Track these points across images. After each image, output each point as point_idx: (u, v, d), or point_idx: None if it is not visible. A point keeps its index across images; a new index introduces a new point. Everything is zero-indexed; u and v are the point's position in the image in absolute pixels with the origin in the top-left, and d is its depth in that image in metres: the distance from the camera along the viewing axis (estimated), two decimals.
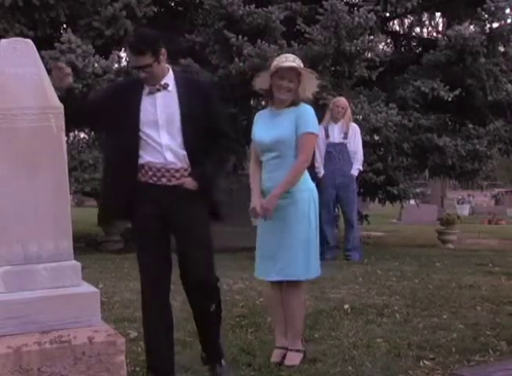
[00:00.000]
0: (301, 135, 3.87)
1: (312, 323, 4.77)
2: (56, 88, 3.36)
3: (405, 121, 9.39)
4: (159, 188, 3.48)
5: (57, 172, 3.25)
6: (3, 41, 3.30)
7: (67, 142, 9.25)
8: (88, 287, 3.32)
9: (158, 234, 3.52)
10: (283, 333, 4.06)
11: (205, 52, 9.46)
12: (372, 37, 9.24)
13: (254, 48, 8.71)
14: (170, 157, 3.47)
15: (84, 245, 9.90)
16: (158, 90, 3.48)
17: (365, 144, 8.58)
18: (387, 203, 10.99)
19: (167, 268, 3.55)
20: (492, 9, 9.42)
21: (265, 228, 3.96)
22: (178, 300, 4.18)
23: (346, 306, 5.34)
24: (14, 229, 3.17)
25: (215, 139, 3.60)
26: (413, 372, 3.83)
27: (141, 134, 3.46)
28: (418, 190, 11.71)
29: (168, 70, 3.55)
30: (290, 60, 3.89)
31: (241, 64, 8.76)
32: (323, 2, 8.91)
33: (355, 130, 8.34)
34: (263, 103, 8.59)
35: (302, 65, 3.93)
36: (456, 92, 9.33)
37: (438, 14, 14.17)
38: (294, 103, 3.91)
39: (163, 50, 3.45)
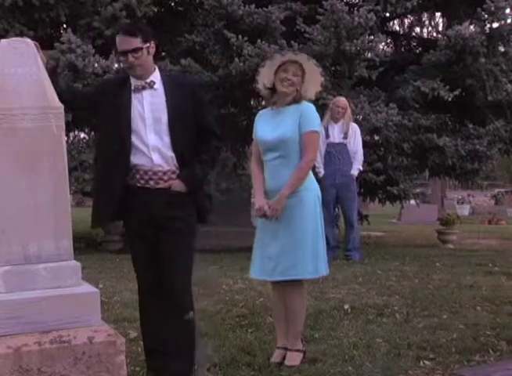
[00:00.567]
0: (305, 134, 3.87)
1: (312, 323, 4.76)
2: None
3: (405, 121, 9.39)
4: (147, 191, 3.45)
5: (57, 172, 3.24)
6: (3, 41, 3.29)
7: (67, 142, 9.27)
8: (88, 287, 3.32)
9: (148, 241, 3.52)
10: (285, 333, 4.06)
11: (205, 52, 9.46)
12: (372, 37, 9.25)
13: (254, 48, 8.71)
14: (157, 158, 3.43)
15: (84, 245, 9.91)
16: (144, 88, 3.46)
17: (365, 144, 8.58)
18: (387, 203, 10.99)
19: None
20: (492, 8, 9.42)
21: (267, 228, 3.94)
22: None
23: (346, 306, 5.34)
24: (14, 229, 3.16)
25: (204, 138, 3.56)
26: (413, 372, 3.83)
27: (130, 134, 3.43)
28: (418, 190, 11.74)
29: (155, 68, 3.53)
30: (295, 55, 3.96)
31: (241, 64, 8.76)
32: (323, 2, 8.91)
33: (355, 130, 8.34)
34: (263, 103, 8.59)
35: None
36: (456, 92, 9.33)
37: (438, 14, 14.17)
38: (296, 101, 3.91)
39: (153, 43, 3.45)
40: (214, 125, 3.67)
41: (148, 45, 3.43)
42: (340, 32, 8.90)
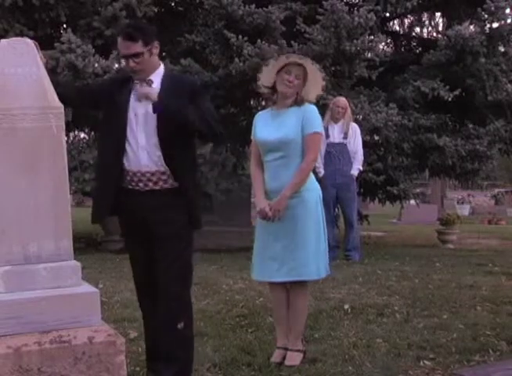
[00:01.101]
0: (307, 135, 3.87)
1: (312, 323, 4.76)
2: None
3: (405, 121, 9.39)
4: (137, 193, 3.44)
5: (57, 172, 3.24)
6: (3, 41, 3.29)
7: (67, 142, 9.27)
8: (87, 287, 3.31)
9: (143, 244, 3.51)
10: (285, 333, 4.06)
11: (205, 52, 9.46)
12: (372, 37, 9.24)
13: (254, 48, 8.71)
14: (145, 159, 3.39)
15: (84, 245, 9.91)
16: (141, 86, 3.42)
17: (365, 144, 8.58)
18: (387, 203, 10.99)
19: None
20: (492, 8, 9.42)
21: (269, 229, 3.93)
22: None
23: (346, 306, 5.34)
24: (14, 229, 3.16)
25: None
26: (413, 372, 3.83)
27: (126, 134, 3.40)
28: (418, 190, 11.74)
29: (160, 65, 3.48)
30: (298, 58, 3.96)
31: (241, 64, 8.76)
32: (323, 2, 8.90)
33: (355, 130, 8.33)
34: (263, 103, 8.58)
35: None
36: (456, 92, 9.33)
37: (438, 14, 14.15)
38: (297, 103, 3.92)
39: (156, 43, 3.40)
40: (213, 121, 3.52)
41: (150, 47, 3.37)
42: (340, 32, 8.90)
